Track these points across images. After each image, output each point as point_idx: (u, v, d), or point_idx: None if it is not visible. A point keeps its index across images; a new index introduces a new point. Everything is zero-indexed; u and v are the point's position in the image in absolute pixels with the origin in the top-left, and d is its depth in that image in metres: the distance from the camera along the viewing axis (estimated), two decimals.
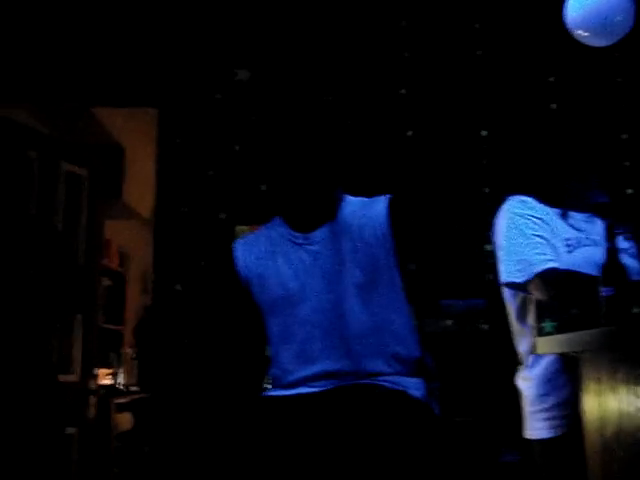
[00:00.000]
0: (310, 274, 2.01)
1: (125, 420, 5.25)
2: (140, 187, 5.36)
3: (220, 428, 1.77)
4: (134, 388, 5.67)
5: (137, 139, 5.34)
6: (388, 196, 2.08)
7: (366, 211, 2.07)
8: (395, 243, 2.01)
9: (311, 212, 2.07)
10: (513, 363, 3.80)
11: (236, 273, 2.09)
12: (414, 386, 1.90)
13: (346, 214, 2.07)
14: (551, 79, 4.60)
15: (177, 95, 4.52)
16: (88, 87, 4.55)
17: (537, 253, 2.43)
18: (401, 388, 1.87)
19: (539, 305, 2.39)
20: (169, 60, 4.51)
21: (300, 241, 2.05)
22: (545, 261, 2.38)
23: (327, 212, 2.07)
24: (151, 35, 4.50)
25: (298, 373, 1.97)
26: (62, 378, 4.26)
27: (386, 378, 1.89)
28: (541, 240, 2.46)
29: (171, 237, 4.41)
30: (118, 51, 4.51)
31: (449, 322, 4.04)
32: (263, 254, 2.08)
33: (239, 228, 4.26)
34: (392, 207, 2.05)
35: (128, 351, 5.89)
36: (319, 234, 2.04)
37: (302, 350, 1.97)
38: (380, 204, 2.07)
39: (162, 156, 4.54)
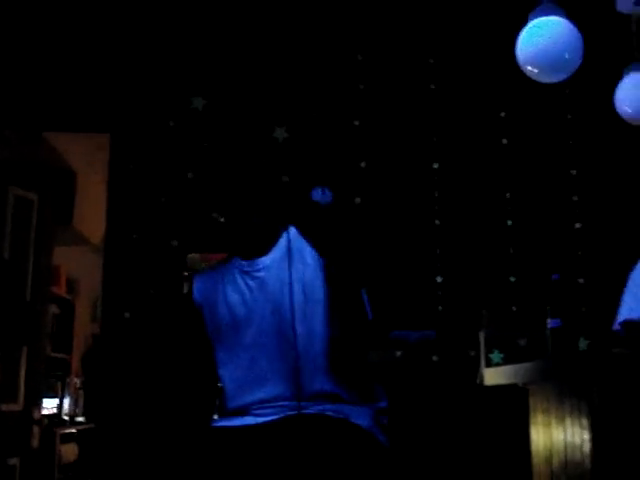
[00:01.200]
0: (256, 299, 2.05)
1: (70, 451, 5.12)
2: (91, 213, 5.29)
3: (166, 459, 1.75)
4: (80, 418, 5.55)
5: (89, 164, 5.28)
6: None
7: (307, 248, 2.10)
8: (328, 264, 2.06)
9: (254, 240, 2.12)
10: (461, 394, 3.82)
11: (192, 301, 2.16)
12: (358, 414, 1.90)
13: (290, 239, 2.11)
14: (502, 114, 4.68)
15: (130, 121, 4.48)
16: (40, 112, 4.50)
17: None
18: (343, 417, 1.87)
19: (487, 336, 2.41)
20: (122, 86, 4.48)
21: (246, 269, 2.09)
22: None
23: (270, 239, 2.12)
24: (104, 60, 4.47)
25: (242, 399, 1.98)
26: (5, 407, 4.17)
27: (330, 407, 1.90)
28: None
29: (121, 264, 4.35)
30: (71, 76, 4.47)
31: (398, 353, 4.05)
32: (214, 284, 2.14)
33: (190, 256, 4.22)
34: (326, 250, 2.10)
35: (75, 380, 5.77)
36: (264, 260, 2.08)
37: (246, 375, 1.99)
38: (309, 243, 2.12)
39: (114, 182, 4.50)
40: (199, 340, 2.13)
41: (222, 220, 2.14)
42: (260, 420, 1.91)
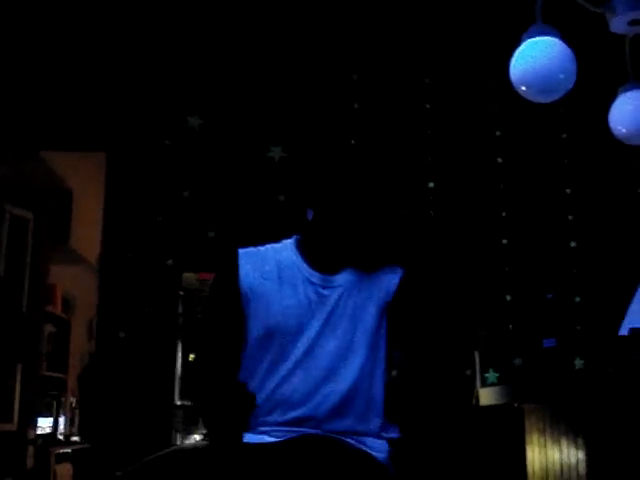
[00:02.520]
0: (312, 316, 1.87)
1: (65, 471, 5.09)
2: (87, 232, 5.29)
3: None
4: (75, 438, 5.52)
5: (85, 183, 5.28)
6: (400, 269, 1.98)
7: (384, 272, 1.97)
8: (394, 320, 1.93)
9: (339, 255, 1.93)
10: (457, 413, 3.80)
11: (237, 284, 1.89)
12: (378, 448, 1.86)
13: (370, 266, 1.96)
14: (497, 133, 4.70)
15: (126, 140, 4.49)
16: (37, 130, 4.51)
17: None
18: (365, 449, 1.82)
19: (482, 355, 2.40)
20: (119, 105, 4.50)
21: (314, 280, 1.90)
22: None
23: (354, 260, 1.94)
24: (101, 79, 4.49)
25: (272, 417, 1.84)
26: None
27: (352, 437, 1.84)
28: None
29: (117, 283, 4.35)
30: (67, 94, 4.48)
31: (394, 372, 4.03)
32: (269, 275, 1.90)
33: (186, 275, 4.22)
34: (403, 281, 1.96)
35: (70, 399, 5.74)
36: (337, 280, 1.90)
37: (281, 391, 1.84)
38: (395, 273, 1.97)
39: (110, 201, 4.50)
40: (235, 339, 1.90)
41: (315, 223, 1.90)
42: (281, 438, 1.83)
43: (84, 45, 4.49)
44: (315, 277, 1.90)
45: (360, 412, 1.85)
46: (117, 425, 4.15)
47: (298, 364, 1.85)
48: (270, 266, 1.91)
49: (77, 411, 5.74)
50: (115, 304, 4.30)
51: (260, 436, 1.82)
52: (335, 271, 1.91)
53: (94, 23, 4.45)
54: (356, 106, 4.61)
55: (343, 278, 1.90)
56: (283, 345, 1.85)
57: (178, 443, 4.00)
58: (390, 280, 1.96)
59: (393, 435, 1.92)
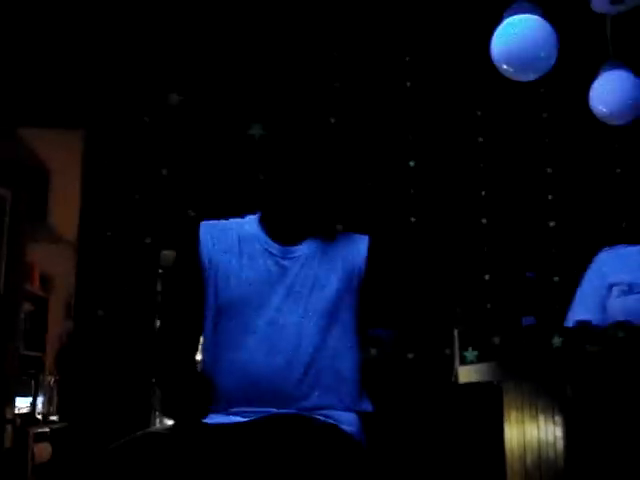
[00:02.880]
0: (273, 287, 1.86)
1: (44, 451, 5.08)
2: (65, 210, 5.24)
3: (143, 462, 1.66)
4: (54, 417, 5.50)
5: (63, 160, 5.23)
6: (367, 238, 1.97)
7: (349, 242, 1.95)
8: (365, 292, 1.92)
9: (297, 225, 1.92)
10: (436, 391, 3.83)
11: (198, 256, 1.89)
12: (347, 421, 1.85)
13: (331, 237, 1.95)
14: (478, 113, 4.70)
15: (105, 117, 4.44)
16: (13, 107, 4.44)
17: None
18: (333, 422, 1.82)
19: (461, 333, 2.41)
20: (97, 81, 4.44)
21: (274, 251, 1.89)
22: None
23: (314, 230, 1.93)
24: (79, 55, 4.43)
25: (236, 393, 1.81)
26: None
27: (320, 412, 1.83)
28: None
29: (95, 261, 4.31)
30: (44, 70, 4.42)
31: (374, 351, 4.04)
32: (228, 248, 1.90)
33: (164, 253, 4.19)
34: (371, 253, 1.95)
35: (48, 378, 5.72)
36: (297, 251, 1.90)
37: (245, 366, 1.82)
38: (361, 244, 1.96)
39: (88, 178, 4.45)
40: (195, 312, 1.89)
41: (269, 193, 1.88)
42: (248, 418, 1.82)
43: (63, 21, 4.43)
44: (275, 248, 1.89)
45: (327, 386, 1.84)
46: (96, 404, 4.13)
47: (261, 338, 1.83)
48: (231, 239, 1.91)
49: (55, 390, 5.72)
50: (93, 282, 4.27)
51: (230, 417, 1.81)
52: (295, 242, 1.90)
53: (72, 1, 4.40)
54: (337, 84, 4.59)
55: (304, 249, 1.89)
56: (244, 318, 1.84)
57: (157, 422, 3.99)
58: (355, 251, 1.94)
59: (366, 408, 1.92)
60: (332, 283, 1.88)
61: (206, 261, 1.88)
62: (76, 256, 4.46)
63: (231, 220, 1.98)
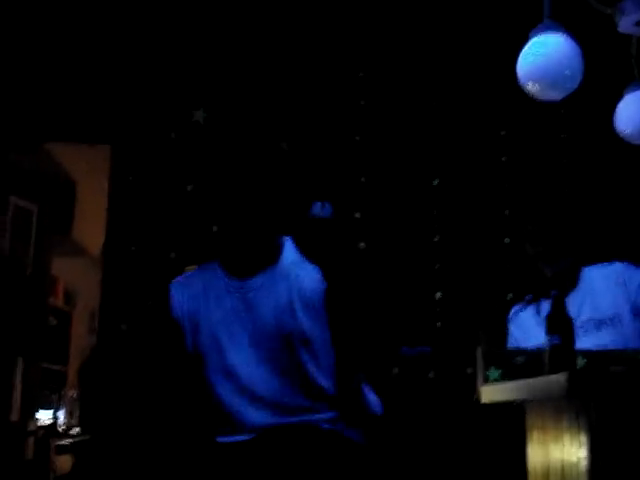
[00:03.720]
0: (240, 324, 1.94)
1: (65, 462, 5.11)
2: (90, 224, 5.30)
3: (165, 474, 1.71)
4: (75, 430, 5.54)
5: (89, 175, 5.29)
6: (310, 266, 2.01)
7: (307, 263, 2.01)
8: (331, 306, 1.97)
9: (249, 258, 2.01)
10: (458, 411, 3.80)
11: (170, 311, 2.03)
12: (323, 419, 1.88)
13: (286, 263, 2.00)
14: (502, 132, 4.69)
15: (131, 132, 4.49)
16: (40, 121, 4.50)
17: None
18: (335, 429, 1.84)
19: (484, 353, 2.40)
20: (124, 97, 4.49)
21: (235, 287, 1.99)
22: None
23: (266, 259, 2.01)
24: (106, 72, 4.48)
25: (232, 422, 1.91)
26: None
27: (322, 417, 1.86)
28: None
29: (119, 276, 4.34)
30: (72, 86, 4.48)
31: (395, 370, 4.04)
32: (196, 296, 2.03)
33: (188, 268, 4.21)
34: (328, 277, 2.00)
35: (70, 392, 5.76)
36: (255, 282, 1.98)
37: (229, 404, 1.92)
38: (314, 270, 2.01)
39: (114, 193, 4.49)
40: (181, 358, 2.01)
41: (215, 230, 2.07)
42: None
43: (90, 37, 4.49)
44: (236, 284, 1.99)
45: (306, 405, 1.86)
46: (118, 417, 4.15)
47: (236, 375, 1.91)
48: (197, 287, 2.05)
49: (77, 404, 5.76)
50: (117, 297, 4.30)
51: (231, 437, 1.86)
52: (252, 274, 1.98)
53: (99, 16, 4.46)
54: (362, 102, 4.61)
55: (261, 279, 1.98)
56: (223, 358, 1.94)
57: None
58: (303, 276, 1.99)
59: (375, 411, 1.95)
60: (299, 310, 1.95)
61: (179, 313, 2.03)
62: (100, 270, 4.50)
63: (195, 270, 2.15)
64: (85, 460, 4.41)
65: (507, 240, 4.53)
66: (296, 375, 1.89)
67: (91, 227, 5.28)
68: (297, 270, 1.99)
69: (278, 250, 2.03)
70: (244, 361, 1.92)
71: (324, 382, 1.91)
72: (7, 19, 4.32)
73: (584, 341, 2.42)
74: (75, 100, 4.49)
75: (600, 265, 2.97)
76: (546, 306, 2.72)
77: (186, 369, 2.00)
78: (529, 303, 2.87)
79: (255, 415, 1.87)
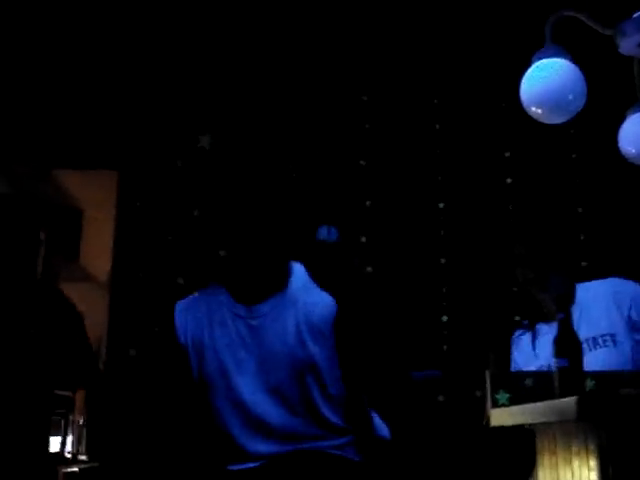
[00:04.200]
0: (246, 351, 1.89)
1: None
2: (97, 250, 5.30)
3: None
4: (83, 457, 5.50)
5: (96, 202, 5.31)
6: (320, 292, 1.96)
7: (314, 289, 1.97)
8: (341, 330, 1.93)
9: (257, 284, 1.95)
10: (467, 434, 3.78)
11: (175, 337, 1.98)
12: (355, 451, 1.86)
13: (294, 289, 1.96)
14: (507, 154, 4.71)
15: (138, 159, 4.51)
16: (47, 149, 4.53)
17: None
18: (340, 453, 1.83)
19: (493, 376, 2.40)
20: (130, 124, 4.52)
21: (241, 313, 1.94)
22: None
23: (274, 285, 1.96)
24: (113, 98, 4.52)
25: (241, 450, 1.87)
26: None
27: (327, 443, 1.84)
28: None
29: (127, 301, 4.35)
30: (78, 113, 4.51)
31: (404, 393, 4.02)
32: (200, 321, 1.97)
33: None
34: (340, 302, 1.94)
35: (78, 418, 5.73)
36: (262, 308, 1.93)
37: (236, 433, 1.87)
38: (325, 296, 1.96)
39: (121, 219, 4.52)
40: (186, 385, 1.95)
41: (222, 255, 2.03)
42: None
43: (95, 64, 4.53)
44: (242, 310, 1.92)
45: (314, 432, 1.84)
46: (126, 444, 4.14)
47: (244, 403, 1.86)
48: (201, 312, 1.98)
49: (84, 430, 5.72)
50: (125, 322, 4.30)
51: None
52: (259, 301, 1.93)
53: (105, 42, 4.50)
54: (367, 126, 4.63)
55: (269, 305, 1.92)
56: (229, 387, 1.89)
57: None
58: (312, 303, 1.94)
59: (382, 434, 1.92)
60: (307, 337, 1.90)
61: (183, 340, 1.96)
62: (108, 296, 4.50)
63: (200, 292, 2.06)
64: None
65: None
66: (303, 403, 1.85)
67: (98, 253, 5.28)
68: (305, 296, 1.94)
69: (286, 276, 1.98)
70: (251, 389, 1.87)
71: (332, 409, 1.88)
72: (14, 45, 4.36)
73: (584, 359, 2.42)
74: (82, 127, 4.52)
75: (595, 281, 2.97)
76: (544, 329, 2.72)
77: (191, 396, 1.95)
78: (527, 328, 2.88)
79: (262, 443, 1.83)
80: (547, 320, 2.78)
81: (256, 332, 1.90)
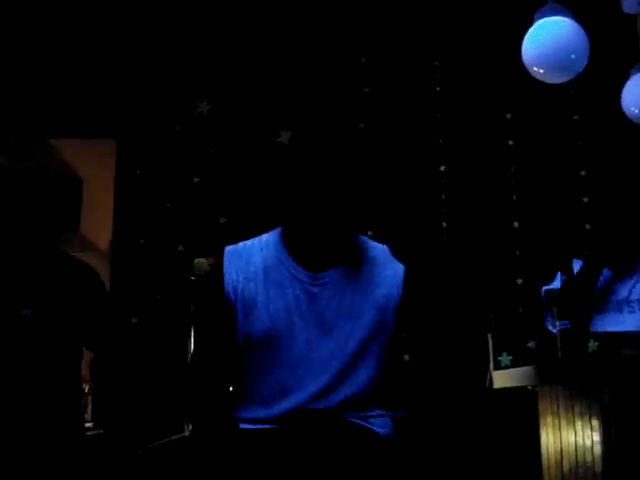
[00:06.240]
0: (302, 317, 1.79)
1: None
2: (98, 219, 5.29)
3: (181, 467, 1.66)
4: (88, 424, 5.54)
5: (95, 170, 5.28)
6: (399, 264, 1.83)
7: (380, 268, 1.86)
8: (401, 318, 1.83)
9: (326, 251, 1.83)
10: (470, 396, 3.79)
11: (222, 289, 1.81)
12: (381, 424, 1.83)
13: (361, 263, 1.85)
14: (508, 116, 4.67)
15: (136, 126, 4.48)
16: (46, 118, 4.50)
17: None
18: (368, 425, 1.79)
19: (495, 338, 2.39)
20: (128, 91, 4.49)
21: (301, 277, 1.81)
22: None
23: (341, 255, 1.84)
24: (109, 66, 4.48)
25: (267, 411, 1.79)
26: None
27: (354, 414, 1.81)
28: None
29: (128, 270, 4.35)
30: (75, 82, 4.47)
31: (407, 356, 4.03)
32: (253, 276, 1.82)
33: (197, 260, 4.21)
34: (408, 278, 1.84)
35: (83, 387, 5.76)
36: (325, 277, 1.81)
37: (274, 394, 1.78)
38: (395, 270, 1.85)
39: (120, 188, 4.50)
40: (229, 344, 1.82)
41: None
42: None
43: (92, 32, 4.48)
44: (303, 274, 1.81)
45: (362, 406, 1.81)
46: (130, 412, 4.16)
47: (292, 370, 1.79)
48: (255, 266, 1.83)
49: (90, 398, 5.76)
50: (127, 290, 4.31)
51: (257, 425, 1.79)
52: (324, 268, 1.82)
53: (101, 9, 4.45)
54: (366, 90, 4.59)
55: (333, 275, 1.82)
56: (275, 352, 1.79)
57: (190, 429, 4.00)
58: (389, 278, 1.85)
59: (400, 414, 1.89)
60: (366, 313, 1.81)
61: (232, 293, 1.82)
62: (109, 265, 4.50)
63: (254, 242, 1.90)
64: (98, 454, 4.42)
65: (516, 224, 4.51)
66: (346, 376, 1.81)
67: (99, 222, 5.27)
68: (372, 273, 1.84)
69: (355, 248, 1.87)
70: (295, 357, 1.77)
71: (369, 384, 1.83)
72: (11, 17, 4.32)
73: (627, 319, 2.41)
74: (78, 95, 4.49)
75: None
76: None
77: (231, 354, 1.82)
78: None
79: (286, 406, 1.79)
80: None
81: (314, 299, 1.79)
